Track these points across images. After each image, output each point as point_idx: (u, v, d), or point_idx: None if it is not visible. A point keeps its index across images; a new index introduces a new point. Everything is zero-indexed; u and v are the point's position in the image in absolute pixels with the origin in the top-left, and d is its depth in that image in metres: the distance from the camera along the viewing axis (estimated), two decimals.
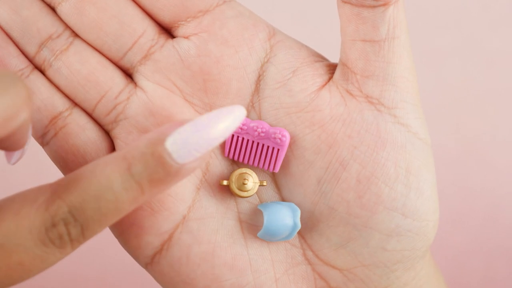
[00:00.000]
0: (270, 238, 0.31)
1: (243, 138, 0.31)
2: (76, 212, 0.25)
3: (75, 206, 0.25)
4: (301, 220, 0.31)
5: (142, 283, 0.50)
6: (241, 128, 0.31)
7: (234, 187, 0.31)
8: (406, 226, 0.30)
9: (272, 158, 0.31)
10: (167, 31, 0.32)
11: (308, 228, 0.31)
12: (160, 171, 0.26)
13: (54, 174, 0.33)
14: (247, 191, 0.31)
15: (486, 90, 0.63)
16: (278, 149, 0.30)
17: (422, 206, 0.30)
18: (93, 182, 0.25)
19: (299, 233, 0.31)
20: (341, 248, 0.31)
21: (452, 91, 0.63)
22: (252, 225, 0.31)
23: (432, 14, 0.63)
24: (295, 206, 0.30)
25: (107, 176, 0.25)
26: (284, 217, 0.30)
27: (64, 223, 0.25)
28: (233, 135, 0.31)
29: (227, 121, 0.27)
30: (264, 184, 0.31)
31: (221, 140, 0.26)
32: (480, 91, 0.63)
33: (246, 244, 0.31)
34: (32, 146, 0.31)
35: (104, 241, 0.49)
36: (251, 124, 0.31)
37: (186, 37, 0.31)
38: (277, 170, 0.31)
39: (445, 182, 0.63)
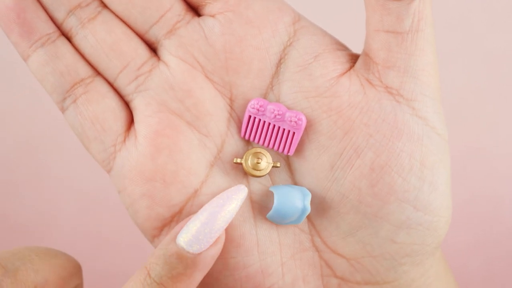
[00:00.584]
0: (279, 220, 0.31)
1: (259, 120, 0.31)
2: None
3: None
4: (311, 205, 0.31)
5: None
6: (258, 110, 0.31)
7: (247, 165, 0.31)
8: (417, 220, 0.30)
9: (288, 141, 0.31)
10: (195, 10, 0.32)
11: (318, 214, 0.31)
12: (178, 265, 0.28)
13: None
14: (260, 170, 0.31)
15: (487, 91, 0.63)
16: (294, 132, 0.31)
17: (435, 200, 0.30)
18: None
19: (309, 218, 0.31)
20: (349, 236, 0.31)
21: (452, 92, 0.63)
22: (263, 206, 0.31)
23: (434, 14, 0.63)
24: (307, 190, 0.30)
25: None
26: (294, 199, 0.30)
27: None
28: (249, 116, 0.31)
29: (231, 205, 0.29)
30: (278, 165, 0.31)
31: (228, 222, 0.29)
32: (481, 92, 0.63)
33: (256, 225, 0.31)
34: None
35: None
36: (269, 106, 0.31)
37: (212, 16, 0.31)
38: (291, 153, 0.31)
39: None
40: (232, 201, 0.29)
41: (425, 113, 0.30)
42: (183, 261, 0.28)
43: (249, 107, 0.31)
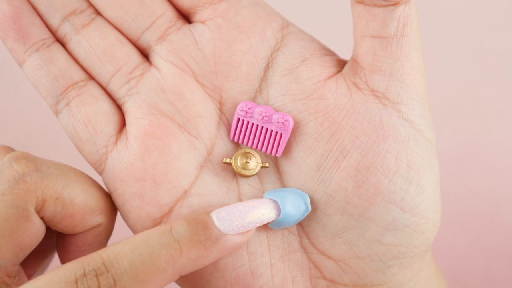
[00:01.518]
0: (280, 227, 0.31)
1: (248, 122, 0.32)
2: (110, 263, 0.25)
3: (109, 257, 0.26)
4: None
5: None
6: (246, 112, 0.31)
7: (237, 164, 0.31)
8: (404, 221, 0.30)
9: (275, 142, 0.31)
10: (186, 18, 0.33)
11: (306, 215, 0.31)
12: (202, 233, 0.27)
13: None
14: (249, 169, 0.31)
15: (486, 91, 0.63)
16: (281, 134, 0.31)
17: (421, 202, 0.30)
18: (132, 238, 0.26)
19: None
20: (337, 237, 0.31)
21: (452, 92, 0.63)
22: None
23: (432, 15, 0.63)
24: (304, 193, 0.31)
25: (147, 233, 0.27)
26: (299, 207, 0.31)
27: (95, 273, 0.25)
28: (238, 119, 0.32)
29: (266, 211, 0.30)
30: (267, 165, 0.32)
31: (260, 222, 0.29)
32: (480, 92, 0.63)
33: None
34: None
35: None
36: (257, 109, 0.31)
37: (202, 22, 0.32)
38: (279, 154, 0.31)
39: (446, 183, 0.62)
40: (266, 208, 0.30)
41: (411, 116, 0.31)
42: (207, 232, 0.27)
43: (237, 110, 0.31)
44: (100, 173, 0.32)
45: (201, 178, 0.31)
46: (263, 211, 0.29)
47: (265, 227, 0.31)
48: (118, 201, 0.32)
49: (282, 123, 0.31)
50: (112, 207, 0.31)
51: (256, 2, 0.33)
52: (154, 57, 0.32)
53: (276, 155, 0.31)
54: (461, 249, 0.61)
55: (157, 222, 0.31)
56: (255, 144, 0.32)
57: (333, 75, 0.32)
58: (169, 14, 0.32)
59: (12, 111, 0.60)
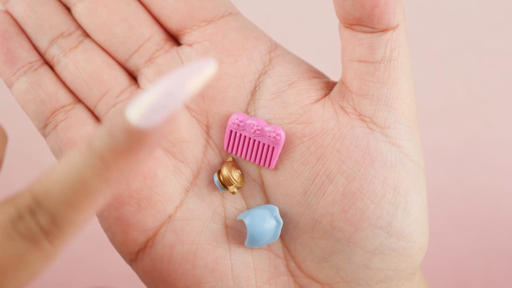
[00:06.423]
0: (258, 243, 0.31)
1: (240, 134, 0.31)
2: (41, 198, 0.23)
3: (39, 193, 0.23)
4: (285, 230, 0.31)
5: None
6: (238, 125, 0.31)
7: (223, 175, 0.32)
8: (390, 245, 0.30)
9: (268, 155, 0.31)
10: (175, 39, 0.33)
11: (292, 239, 0.31)
12: (121, 137, 0.23)
13: None
14: (236, 181, 0.32)
15: (486, 90, 0.63)
16: (274, 147, 0.31)
17: (408, 227, 0.30)
18: (56, 166, 0.23)
19: (283, 243, 0.32)
20: (323, 261, 0.31)
21: (452, 92, 0.63)
22: (238, 231, 0.32)
23: (432, 15, 0.63)
24: (272, 205, 0.31)
25: (69, 157, 0.23)
26: (265, 218, 0.31)
27: (30, 213, 0.23)
28: (231, 131, 0.31)
29: (196, 79, 0.23)
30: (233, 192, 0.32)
31: (188, 97, 0.23)
32: (481, 91, 0.63)
33: (230, 249, 0.31)
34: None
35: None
36: (248, 121, 0.31)
37: (190, 45, 0.32)
38: (272, 167, 0.31)
39: (446, 183, 0.62)
40: (197, 76, 0.23)
41: (399, 140, 0.30)
42: (129, 136, 0.22)
43: (229, 122, 0.31)
44: None
45: (186, 203, 0.31)
46: (192, 84, 0.23)
47: (252, 250, 0.32)
48: (103, 224, 0.32)
49: (274, 137, 0.31)
50: (5, 135, 0.28)
51: (244, 25, 0.33)
52: (142, 80, 0.32)
53: (270, 167, 0.31)
54: (461, 250, 0.61)
55: (141, 247, 0.31)
56: (248, 156, 0.32)
57: (321, 99, 0.31)
58: (158, 36, 0.32)
59: (10, 111, 0.61)
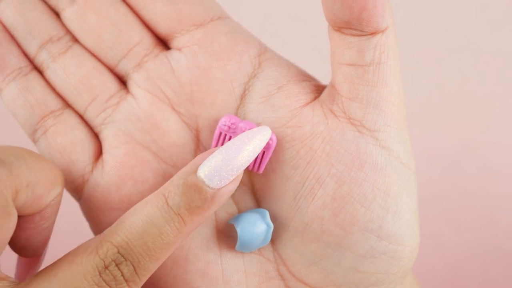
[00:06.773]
0: (249, 247, 0.31)
1: (230, 137, 0.31)
2: (125, 251, 0.26)
3: (122, 245, 0.26)
4: (276, 234, 0.31)
5: None
6: (229, 127, 0.31)
7: None
8: (381, 249, 0.30)
9: (257, 159, 0.31)
10: (165, 44, 0.33)
11: (283, 242, 0.31)
12: (197, 198, 0.27)
13: None
14: None
15: (482, 92, 0.63)
16: (264, 152, 0.31)
17: (399, 230, 0.30)
18: (135, 220, 0.27)
19: (274, 247, 0.32)
20: (313, 265, 0.31)
21: (448, 94, 0.63)
22: (229, 235, 0.32)
23: (431, 15, 0.63)
24: (263, 210, 0.31)
25: (148, 213, 0.27)
26: (255, 222, 0.31)
27: (115, 264, 0.26)
28: (220, 133, 0.31)
29: (254, 143, 0.29)
30: None
31: (250, 161, 0.29)
32: (476, 93, 0.63)
33: (220, 254, 0.31)
34: None
35: None
36: (240, 124, 0.31)
37: (179, 49, 0.32)
38: (261, 171, 0.31)
39: (442, 185, 0.62)
40: (255, 140, 0.29)
41: (388, 143, 0.30)
42: (202, 195, 0.27)
43: (220, 124, 0.31)
44: (78, 201, 0.32)
45: None
46: (249, 148, 0.29)
47: (242, 254, 0.32)
48: (95, 229, 0.32)
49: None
50: (61, 172, 0.30)
51: (233, 28, 0.32)
52: (131, 85, 0.32)
53: (258, 172, 0.31)
54: (457, 250, 0.61)
55: None
56: None
57: (310, 102, 0.31)
58: (147, 41, 0.32)
59: (2, 117, 0.61)
